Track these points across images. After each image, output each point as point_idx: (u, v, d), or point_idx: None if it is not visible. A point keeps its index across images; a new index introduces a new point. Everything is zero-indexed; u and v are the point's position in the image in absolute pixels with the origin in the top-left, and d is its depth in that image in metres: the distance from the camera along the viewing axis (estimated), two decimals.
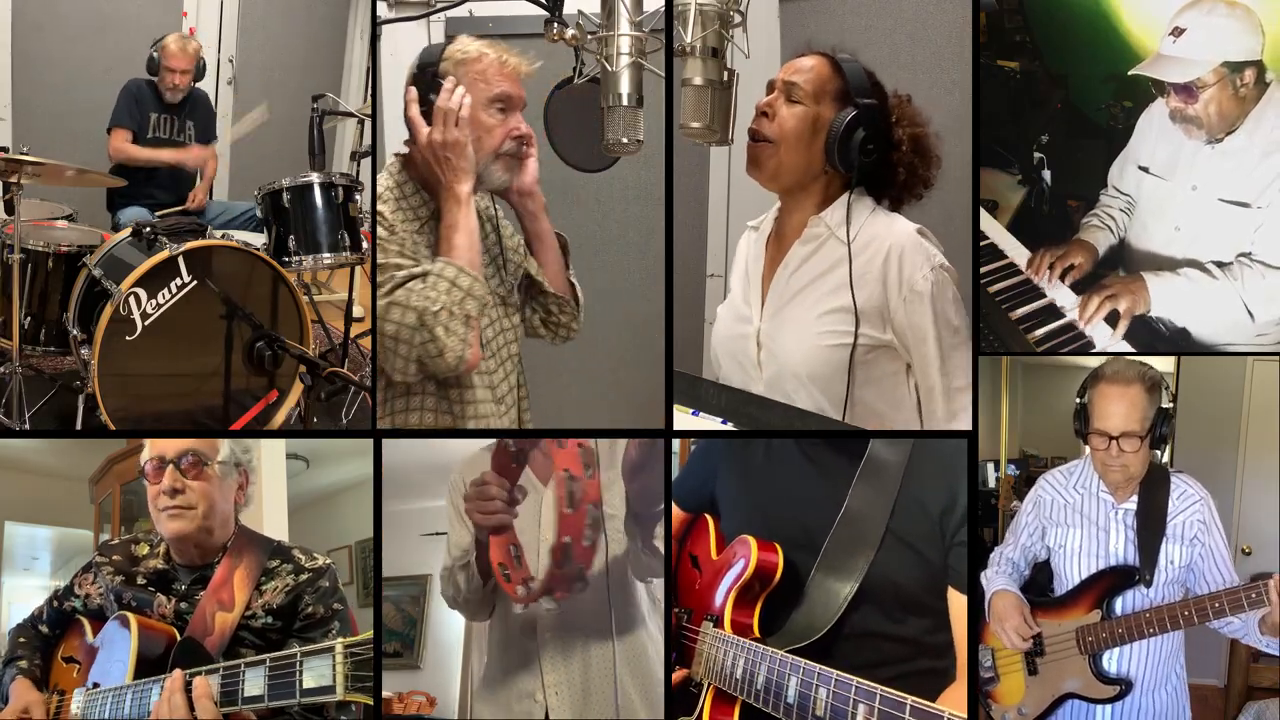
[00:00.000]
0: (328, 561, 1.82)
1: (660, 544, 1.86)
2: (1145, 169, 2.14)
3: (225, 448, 1.82)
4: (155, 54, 3.66)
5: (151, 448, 1.81)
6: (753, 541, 1.64)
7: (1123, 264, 2.20)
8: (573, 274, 2.07)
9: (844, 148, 1.82)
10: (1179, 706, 1.94)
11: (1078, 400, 1.94)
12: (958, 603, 1.53)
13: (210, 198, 4.03)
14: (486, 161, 1.83)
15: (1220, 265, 2.04)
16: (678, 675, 1.73)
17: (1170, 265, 2.10)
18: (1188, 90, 1.99)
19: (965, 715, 1.29)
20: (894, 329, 1.83)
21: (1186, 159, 2.07)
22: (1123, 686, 1.88)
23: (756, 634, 1.61)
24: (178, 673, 1.57)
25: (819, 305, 1.86)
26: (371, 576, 2.25)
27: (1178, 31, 1.99)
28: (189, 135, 3.78)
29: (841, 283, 1.83)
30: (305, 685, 1.47)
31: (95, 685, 1.74)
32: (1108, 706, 1.90)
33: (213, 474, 1.80)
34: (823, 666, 1.43)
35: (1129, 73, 2.08)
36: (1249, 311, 2.01)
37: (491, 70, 1.81)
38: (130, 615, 1.74)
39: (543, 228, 1.98)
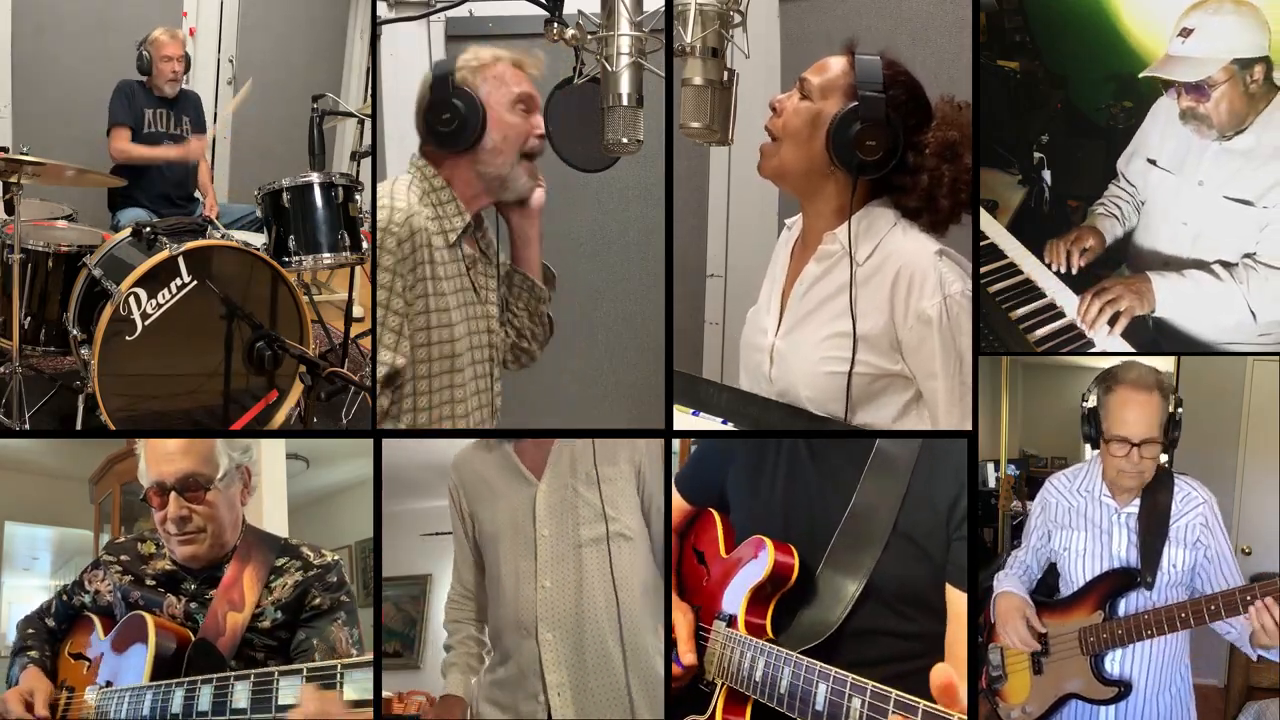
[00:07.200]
0: (336, 558, 1.81)
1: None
2: (1153, 161, 2.13)
3: (223, 462, 1.78)
4: (146, 51, 3.66)
5: (149, 471, 1.77)
6: (769, 544, 1.60)
7: (1129, 259, 2.19)
8: (549, 309, 2.12)
9: (839, 141, 1.74)
10: (1184, 711, 1.93)
11: (1086, 404, 1.92)
12: (954, 600, 1.51)
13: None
14: (513, 163, 1.87)
15: (1226, 265, 2.03)
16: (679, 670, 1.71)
17: (1176, 263, 2.09)
18: (1199, 89, 1.98)
19: None
20: (904, 358, 1.74)
21: (1195, 154, 2.06)
22: (1122, 688, 1.88)
23: (769, 634, 1.59)
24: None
25: (824, 329, 1.80)
26: (371, 576, 2.25)
27: (1185, 32, 1.98)
28: (185, 129, 3.77)
29: (846, 306, 1.75)
30: (281, 701, 1.48)
31: (108, 684, 1.73)
32: (1110, 708, 1.90)
33: (216, 493, 1.77)
34: (855, 676, 1.37)
35: (1140, 75, 2.07)
36: (1252, 313, 2.01)
37: (508, 73, 1.87)
38: (148, 616, 1.73)
39: (532, 254, 2.04)
